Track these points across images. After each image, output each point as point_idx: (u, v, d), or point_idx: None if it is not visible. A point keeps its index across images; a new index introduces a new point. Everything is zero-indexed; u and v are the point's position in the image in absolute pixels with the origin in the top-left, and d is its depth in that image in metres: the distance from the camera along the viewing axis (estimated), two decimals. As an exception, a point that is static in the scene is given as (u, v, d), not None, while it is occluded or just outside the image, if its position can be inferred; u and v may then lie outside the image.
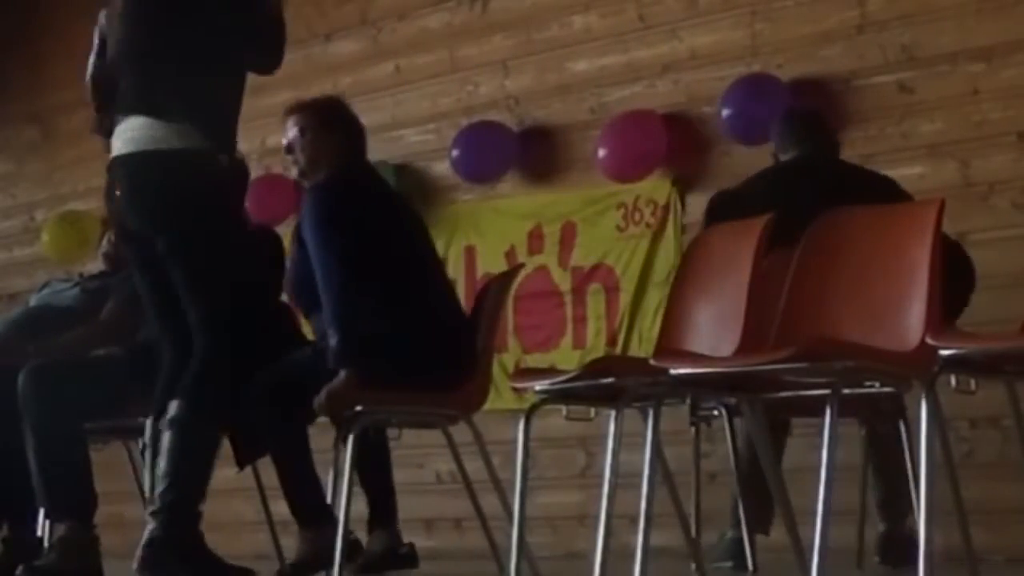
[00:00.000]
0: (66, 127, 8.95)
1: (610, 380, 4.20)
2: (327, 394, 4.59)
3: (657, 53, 6.63)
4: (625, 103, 6.67)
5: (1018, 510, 5.20)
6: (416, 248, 4.95)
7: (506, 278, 5.25)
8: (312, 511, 4.79)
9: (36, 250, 8.76)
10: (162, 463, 4.47)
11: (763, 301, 4.09)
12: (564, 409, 4.49)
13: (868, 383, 3.79)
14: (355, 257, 4.70)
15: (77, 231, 8.24)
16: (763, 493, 4.84)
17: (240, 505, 6.68)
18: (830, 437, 3.57)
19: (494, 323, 5.06)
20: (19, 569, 4.73)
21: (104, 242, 5.78)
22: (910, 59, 5.94)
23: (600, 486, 4.15)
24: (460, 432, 5.04)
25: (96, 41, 4.87)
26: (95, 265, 5.92)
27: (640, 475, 3.94)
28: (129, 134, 4.59)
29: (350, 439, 4.61)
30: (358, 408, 4.63)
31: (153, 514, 4.46)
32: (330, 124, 5.07)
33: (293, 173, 5.14)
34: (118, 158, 4.63)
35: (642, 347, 6.24)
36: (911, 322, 3.78)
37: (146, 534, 4.45)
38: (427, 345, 4.75)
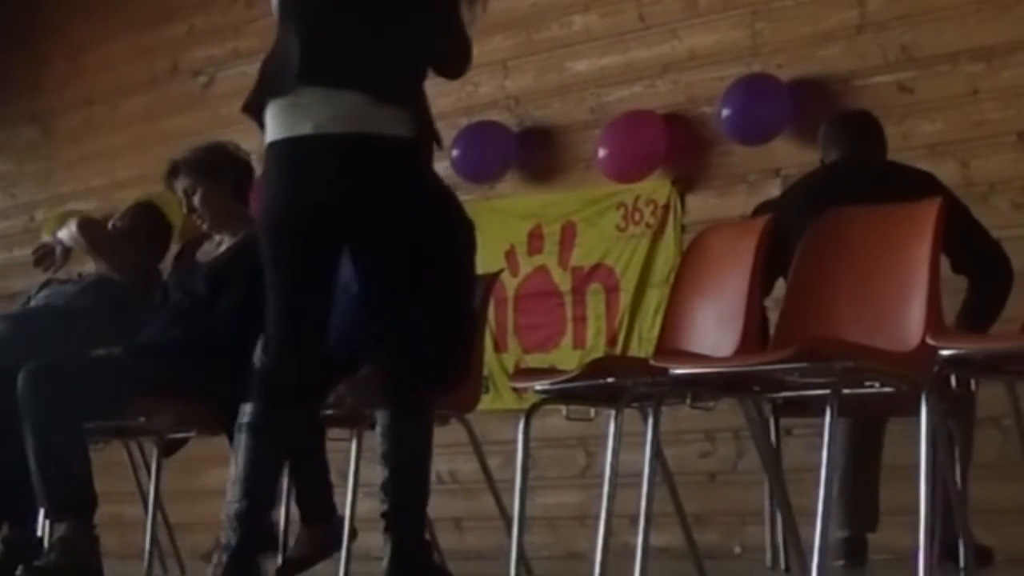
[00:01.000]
0: (66, 127, 8.96)
1: (610, 380, 4.21)
2: (348, 387, 4.57)
3: (657, 53, 6.63)
4: (625, 103, 6.67)
5: (1018, 510, 5.20)
6: None
7: (485, 281, 5.26)
8: (318, 508, 4.79)
9: (36, 250, 8.76)
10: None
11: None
12: (564, 409, 4.50)
13: (868, 383, 3.79)
14: None
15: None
16: (867, 492, 4.89)
17: (240, 505, 6.67)
18: (830, 437, 3.57)
19: (480, 324, 5.07)
20: (19, 569, 4.72)
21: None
22: (910, 59, 5.94)
23: (600, 486, 4.16)
24: (459, 433, 5.04)
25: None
26: (91, 266, 5.90)
27: (640, 475, 3.94)
28: (349, 111, 3.87)
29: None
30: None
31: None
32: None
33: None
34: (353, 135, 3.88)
35: (642, 347, 6.24)
36: (911, 322, 3.78)
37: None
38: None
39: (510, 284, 6.87)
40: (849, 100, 6.04)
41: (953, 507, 4.29)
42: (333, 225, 3.91)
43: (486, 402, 5.86)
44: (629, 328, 6.56)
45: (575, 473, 6.57)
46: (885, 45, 6.00)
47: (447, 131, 7.20)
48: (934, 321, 3.72)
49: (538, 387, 4.42)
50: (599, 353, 6.37)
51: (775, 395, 4.34)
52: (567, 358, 6.43)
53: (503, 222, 7.03)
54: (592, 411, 4.52)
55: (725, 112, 6.22)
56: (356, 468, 4.81)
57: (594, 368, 4.33)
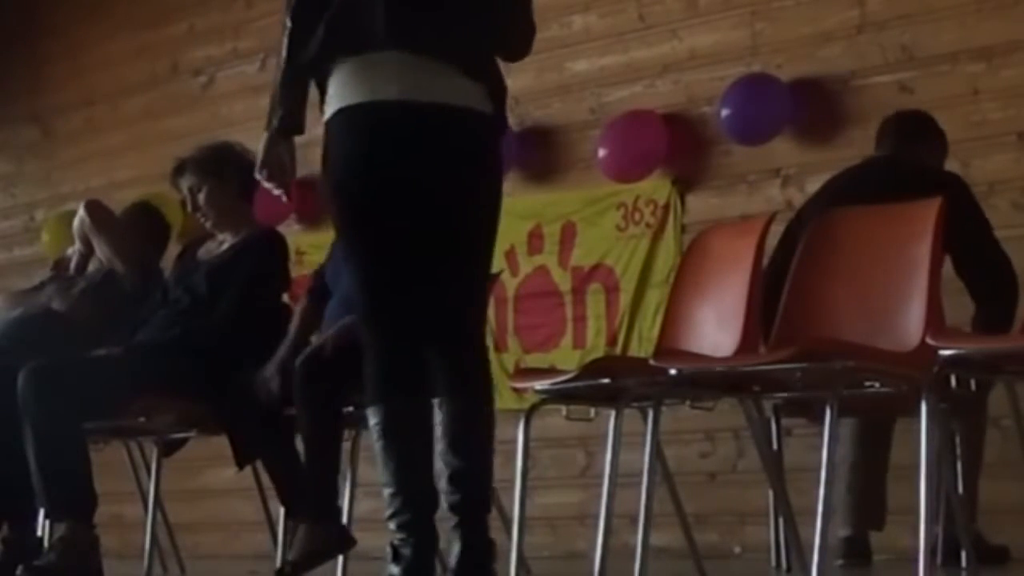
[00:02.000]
0: (66, 127, 8.96)
1: (610, 380, 4.21)
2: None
3: (657, 53, 6.63)
4: (625, 103, 6.66)
5: (1018, 510, 5.20)
6: None
7: None
8: (310, 506, 4.78)
9: (36, 250, 8.76)
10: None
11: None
12: (564, 409, 4.49)
13: (868, 383, 3.79)
14: None
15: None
16: (873, 491, 4.89)
17: (240, 505, 6.68)
18: (830, 437, 3.57)
19: None
20: (19, 569, 4.73)
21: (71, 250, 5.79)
22: (910, 59, 5.94)
23: (600, 486, 4.16)
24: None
25: None
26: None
27: (640, 475, 3.94)
28: (433, 80, 3.70)
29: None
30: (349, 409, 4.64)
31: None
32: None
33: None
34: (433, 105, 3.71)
35: (642, 347, 6.24)
36: (911, 322, 3.78)
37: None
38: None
39: (510, 284, 6.87)
40: (849, 100, 6.04)
41: (953, 507, 4.29)
42: (409, 195, 3.69)
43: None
44: (629, 328, 6.56)
45: (575, 473, 6.57)
46: (885, 45, 6.00)
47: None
48: (934, 321, 3.72)
49: (538, 387, 4.42)
50: (599, 353, 6.37)
51: (775, 395, 4.34)
52: (567, 358, 6.42)
53: (503, 222, 6.98)
54: (592, 411, 4.53)
55: (725, 112, 6.22)
56: (354, 468, 4.80)
57: (594, 368, 4.33)
